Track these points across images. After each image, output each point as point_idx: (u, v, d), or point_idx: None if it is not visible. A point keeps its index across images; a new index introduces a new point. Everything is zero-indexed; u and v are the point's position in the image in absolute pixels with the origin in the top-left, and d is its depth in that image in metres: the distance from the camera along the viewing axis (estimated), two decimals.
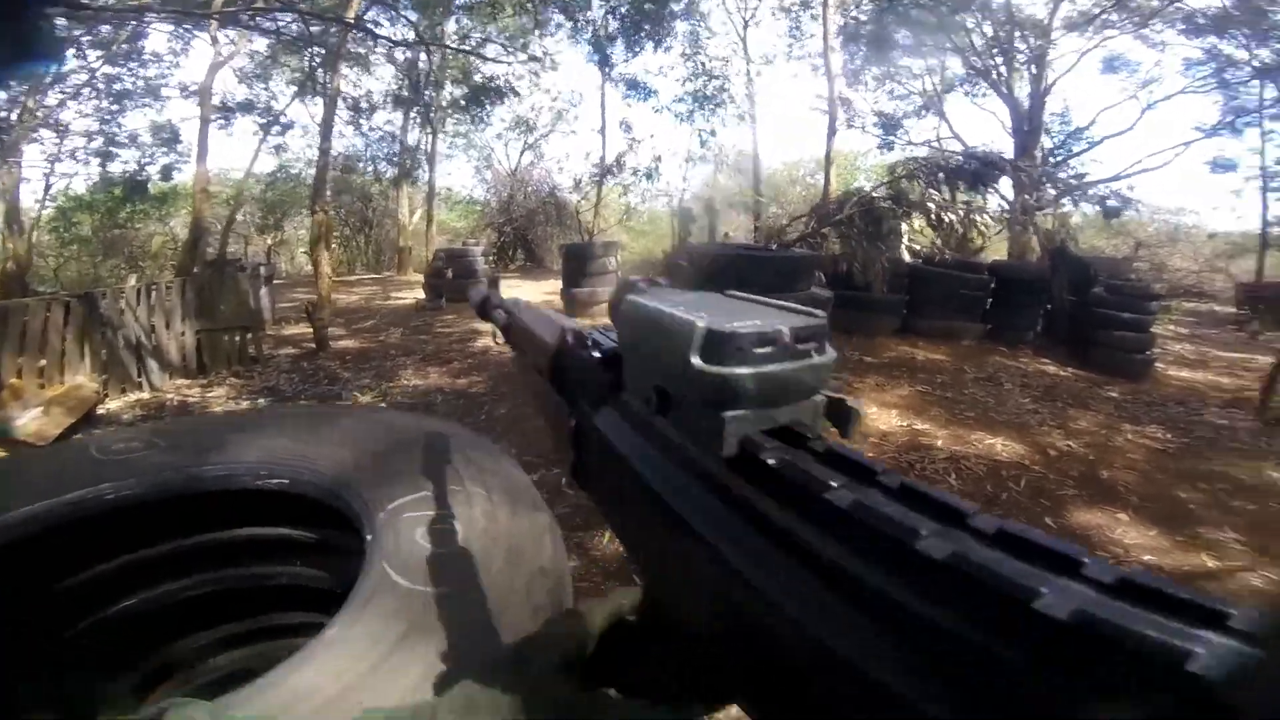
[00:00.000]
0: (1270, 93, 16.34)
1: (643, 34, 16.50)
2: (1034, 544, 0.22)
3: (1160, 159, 15.89)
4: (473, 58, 14.86)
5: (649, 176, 15.61)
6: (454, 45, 13.60)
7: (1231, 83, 16.74)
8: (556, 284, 9.87)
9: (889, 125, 18.31)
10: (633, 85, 18.44)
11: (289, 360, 6.74)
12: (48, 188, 17.10)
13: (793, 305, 0.34)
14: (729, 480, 0.29)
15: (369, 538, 0.79)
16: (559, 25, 16.87)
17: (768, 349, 0.29)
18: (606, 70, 17.89)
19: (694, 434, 0.31)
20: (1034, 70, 14.74)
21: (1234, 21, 15.06)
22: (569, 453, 0.48)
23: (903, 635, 0.21)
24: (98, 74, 14.99)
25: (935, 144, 17.12)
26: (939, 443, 4.24)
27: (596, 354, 0.45)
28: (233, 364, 6.44)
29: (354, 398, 5.32)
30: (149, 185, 17.63)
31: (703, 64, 17.38)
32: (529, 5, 13.74)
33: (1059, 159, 16.73)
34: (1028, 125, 14.76)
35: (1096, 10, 14.60)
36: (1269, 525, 3.44)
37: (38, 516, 0.94)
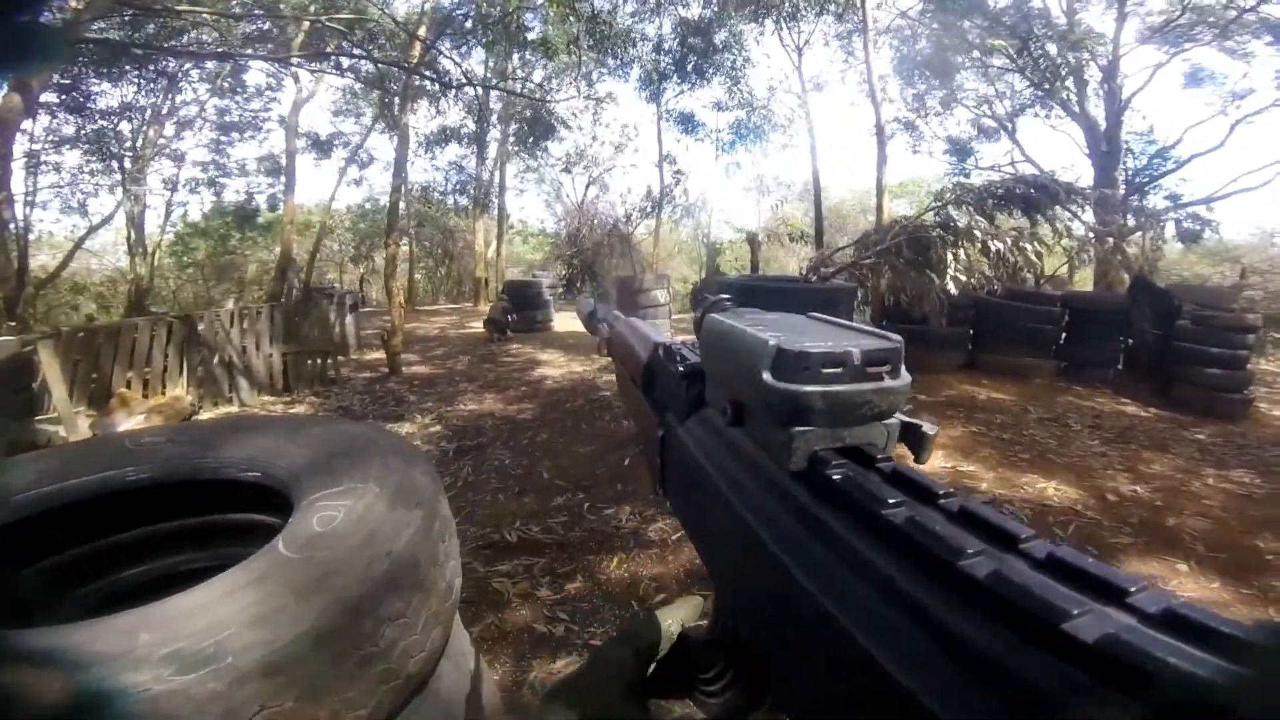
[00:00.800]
0: None
1: (688, 69, 16.85)
2: (1083, 570, 0.23)
3: (1259, 177, 14.53)
4: (531, 95, 15.68)
5: (688, 211, 15.78)
6: (506, 86, 14.43)
7: None
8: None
9: (959, 150, 17.74)
10: (683, 119, 18.82)
11: (364, 383, 7.26)
12: (168, 214, 19.22)
13: (873, 330, 0.36)
14: (797, 493, 0.31)
15: (290, 520, 0.95)
16: (610, 65, 17.49)
17: (837, 369, 0.31)
18: (659, 104, 18.39)
19: (766, 447, 0.33)
20: (1106, 87, 13.90)
21: None
22: (655, 461, 0.49)
23: (942, 649, 0.23)
24: (206, 106, 16.90)
25: (1009, 168, 16.43)
26: (984, 485, 4.06)
27: (681, 369, 0.46)
28: (314, 384, 7.00)
29: (415, 419, 5.68)
30: (258, 214, 19.52)
31: (746, 94, 17.53)
32: (575, 45, 14.40)
33: (1144, 180, 15.60)
34: (1105, 146, 13.90)
35: (1164, 21, 13.71)
36: None
37: (67, 491, 1.16)
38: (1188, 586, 3.04)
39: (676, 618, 0.45)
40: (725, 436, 0.37)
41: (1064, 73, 13.36)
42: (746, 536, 0.32)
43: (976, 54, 14.73)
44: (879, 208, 8.67)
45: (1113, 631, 0.19)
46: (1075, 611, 0.20)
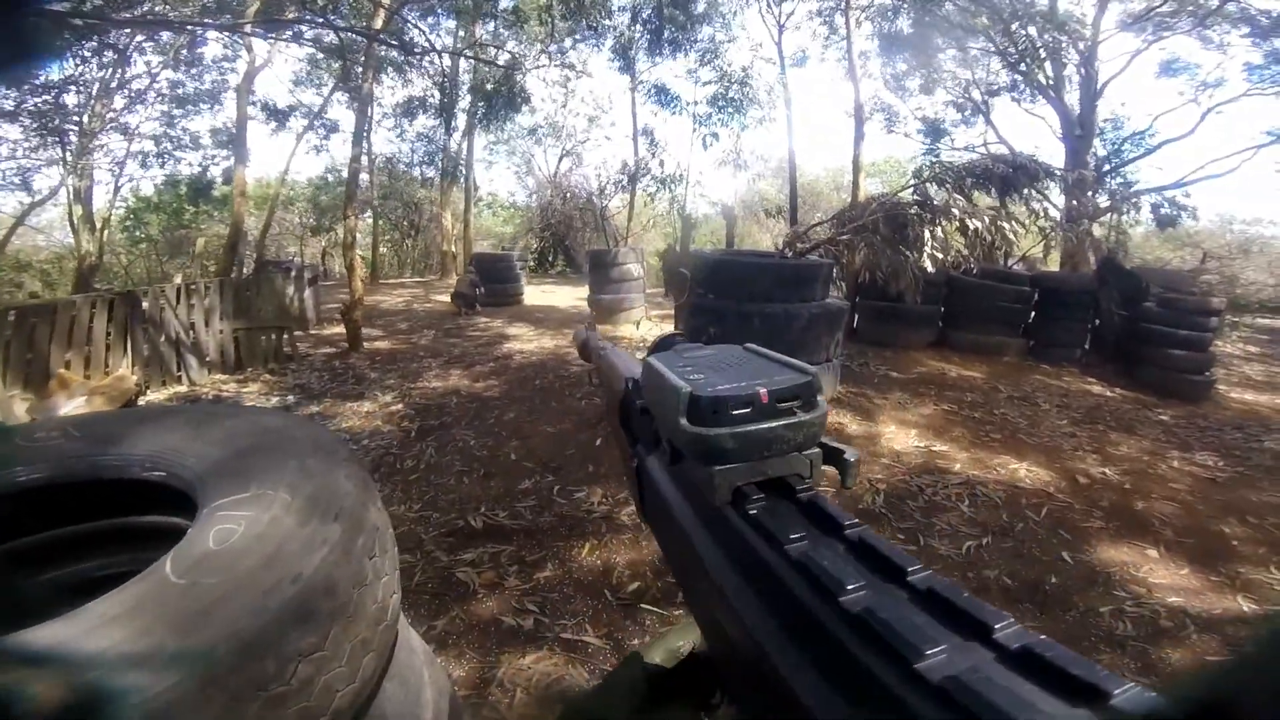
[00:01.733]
0: None
1: (664, 40, 16.44)
2: (954, 604, 0.24)
3: (1225, 165, 14.86)
4: (500, 62, 15.12)
5: (664, 184, 15.49)
6: (474, 53, 13.86)
7: None
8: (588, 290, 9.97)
9: (934, 130, 17.74)
10: (659, 91, 18.42)
11: (323, 359, 6.96)
12: (117, 189, 18.23)
13: (793, 363, 0.38)
14: (725, 525, 0.33)
15: (189, 532, 0.79)
16: (583, 34, 17.01)
17: (746, 409, 0.33)
18: (633, 76, 17.96)
19: (697, 483, 0.35)
20: (1083, 73, 13.99)
21: None
22: (634, 489, 0.50)
23: (832, 676, 0.25)
24: (158, 78, 15.96)
25: (983, 149, 16.49)
26: (957, 466, 4.04)
27: (644, 405, 0.47)
28: (269, 362, 6.69)
29: (375, 397, 5.45)
30: (212, 187, 18.64)
31: (724, 68, 17.20)
32: (549, 14, 13.89)
33: (1114, 165, 15.84)
34: (1079, 130, 14.02)
35: (1147, 8, 13.82)
36: None
37: None
38: (1159, 573, 3.05)
39: (688, 638, 0.49)
40: (673, 471, 0.39)
41: (1043, 56, 13.36)
42: (695, 563, 0.35)
43: (958, 34, 14.62)
44: (855, 184, 8.60)
45: (957, 674, 0.21)
46: (929, 651, 0.22)
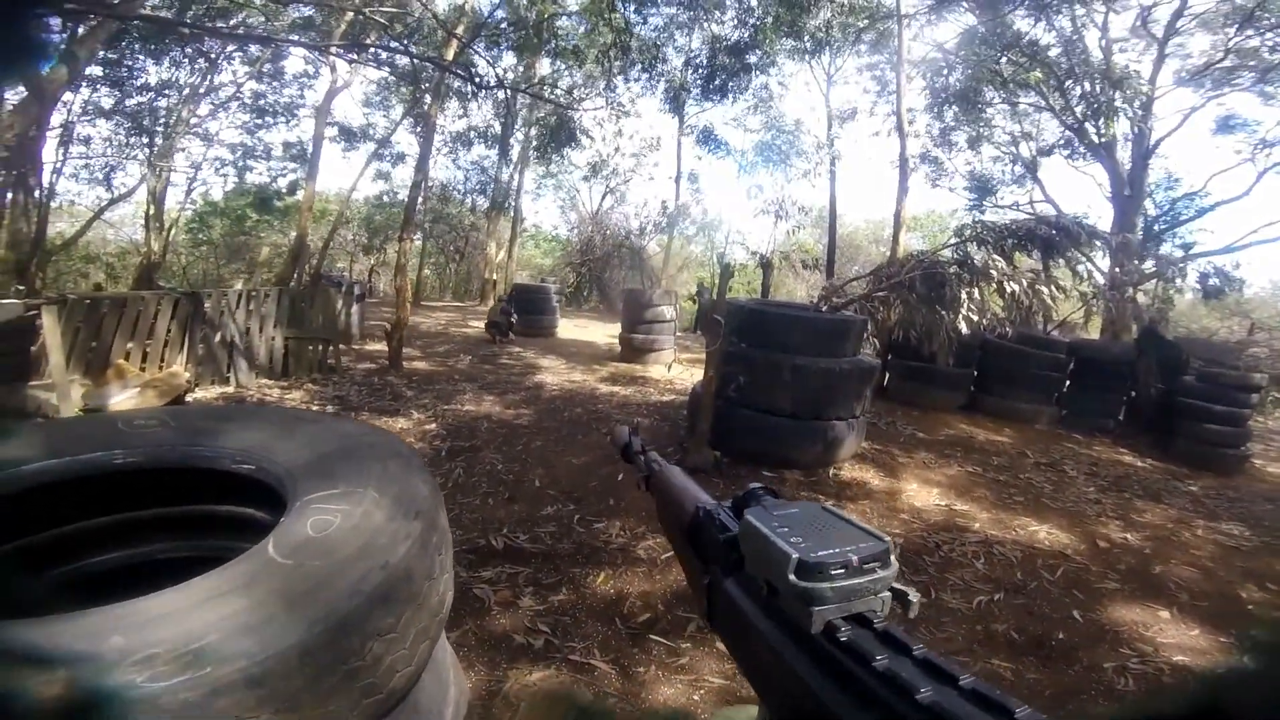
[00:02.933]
0: None
1: (715, 86, 16.87)
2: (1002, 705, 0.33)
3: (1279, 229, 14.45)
4: (560, 100, 15.77)
5: (703, 229, 15.75)
6: (535, 90, 14.48)
7: None
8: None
9: (980, 187, 17.71)
10: (706, 136, 18.83)
11: (363, 374, 7.24)
12: (189, 191, 19.30)
13: (869, 529, 0.48)
14: (818, 645, 0.43)
15: (282, 520, 0.93)
16: (638, 75, 17.55)
17: (842, 570, 0.44)
18: (680, 119, 18.44)
19: (794, 615, 0.45)
20: (1136, 130, 13.89)
21: None
22: (702, 600, 0.61)
23: None
24: (242, 89, 17.03)
25: (1028, 207, 16.42)
26: (976, 525, 4.03)
27: (723, 535, 0.57)
28: (313, 371, 6.99)
29: (410, 415, 5.66)
30: (274, 198, 19.59)
31: (773, 120, 17.56)
32: (609, 54, 14.47)
33: (1164, 227, 15.56)
34: (1128, 190, 13.87)
35: (1207, 63, 13.70)
36: None
37: (52, 470, 1.14)
38: (1168, 633, 3.03)
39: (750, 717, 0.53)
40: (764, 599, 0.49)
41: (1104, 111, 13.31)
42: (786, 672, 0.45)
43: (1007, 92, 14.72)
44: (895, 240, 8.67)
45: None
46: None
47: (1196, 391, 6.68)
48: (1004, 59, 13.69)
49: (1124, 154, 14.31)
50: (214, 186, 19.86)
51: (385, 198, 22.48)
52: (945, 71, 14.88)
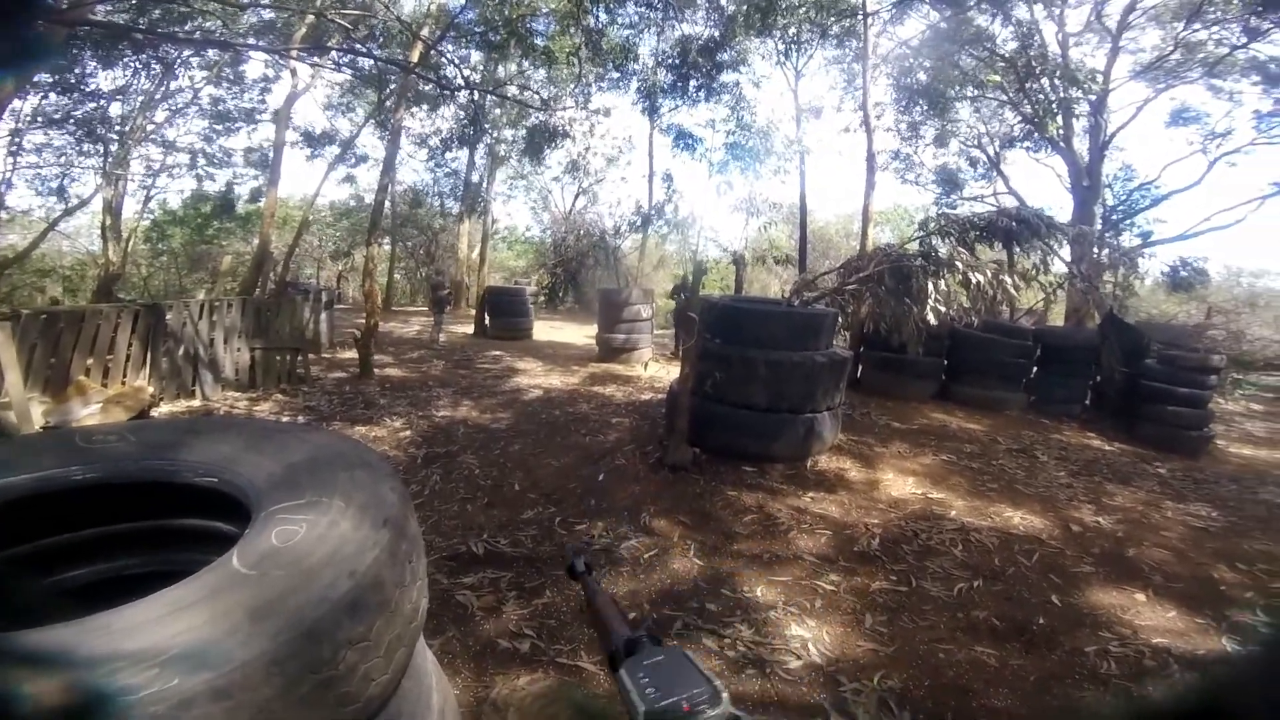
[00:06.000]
0: None
1: (689, 86, 16.92)
2: None
3: (1232, 216, 15.04)
4: (527, 101, 15.64)
5: (677, 226, 15.78)
6: (504, 92, 14.36)
7: None
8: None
9: (947, 180, 18.06)
10: (680, 135, 18.87)
11: (334, 383, 7.11)
12: (147, 200, 18.76)
13: (707, 674, 0.64)
14: None
15: (246, 532, 0.90)
16: (610, 75, 17.51)
17: (679, 713, 0.58)
18: (654, 119, 18.45)
19: None
20: (1092, 122, 14.29)
21: None
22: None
23: None
24: (200, 94, 16.58)
25: (992, 200, 16.79)
26: (953, 513, 4.08)
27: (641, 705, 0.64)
28: (282, 382, 6.84)
29: (384, 423, 5.57)
30: (235, 205, 19.12)
31: (744, 117, 17.65)
32: (576, 57, 14.41)
33: (1120, 217, 16.06)
34: (1087, 181, 14.27)
35: (1158, 56, 14.17)
36: None
37: (11, 487, 1.09)
38: (1146, 616, 3.08)
39: None
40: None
41: (1056, 108, 13.67)
42: None
43: (972, 88, 15.02)
44: (863, 234, 8.79)
45: None
46: None
47: (1158, 374, 6.88)
48: (967, 55, 13.95)
49: (1082, 146, 14.72)
50: (171, 194, 19.39)
51: (351, 202, 22.15)
52: (911, 68, 15.10)
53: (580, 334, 12.13)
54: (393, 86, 13.80)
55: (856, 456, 4.99)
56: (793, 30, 14.68)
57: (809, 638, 2.72)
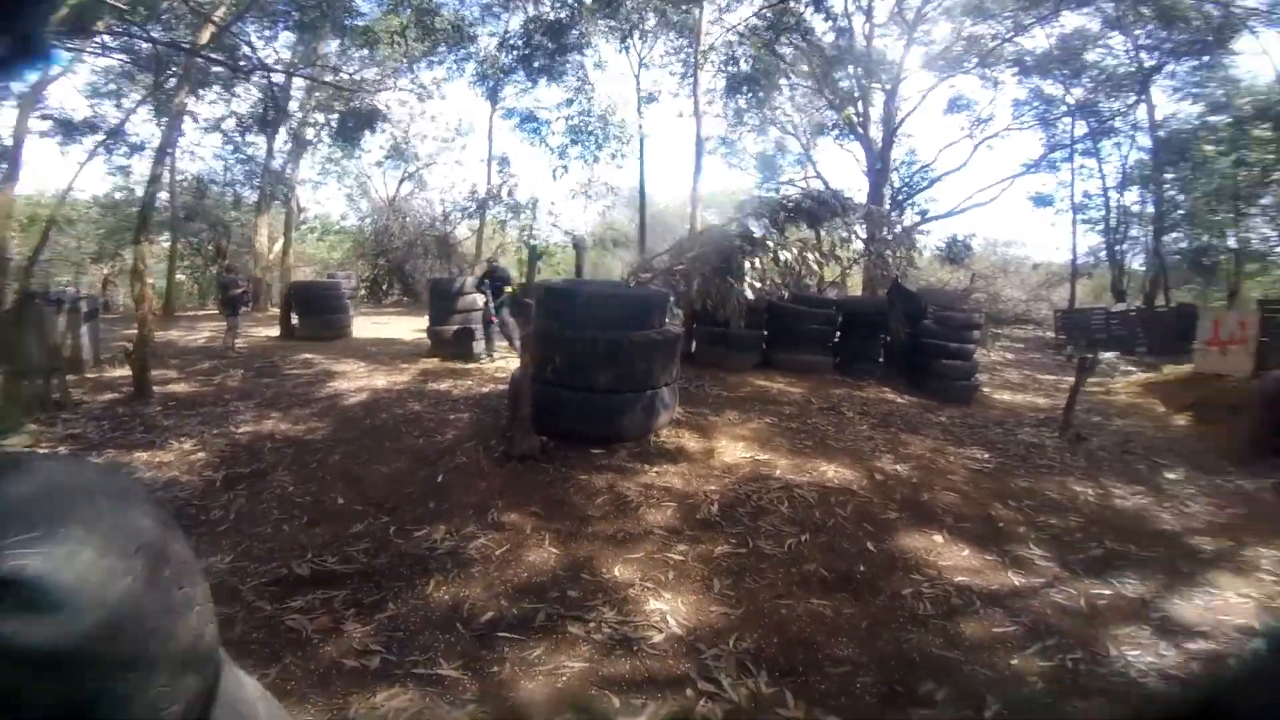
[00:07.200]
0: (1080, 130, 19.24)
1: (534, 69, 16.54)
2: None
3: (990, 194, 18.08)
4: (346, 84, 14.29)
5: (515, 211, 15.48)
6: (307, 74, 12.96)
7: (1050, 121, 19.54)
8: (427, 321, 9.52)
9: (767, 165, 19.56)
10: (524, 119, 18.43)
11: (103, 407, 6.02)
12: None
13: None
14: None
15: None
16: (443, 57, 16.62)
17: None
18: (495, 101, 17.84)
19: None
20: (886, 109, 16.21)
21: (1055, 62, 17.60)
22: None
23: None
24: None
25: (803, 184, 18.47)
26: (778, 472, 4.40)
27: None
28: (33, 411, 5.64)
29: (170, 446, 4.81)
30: None
31: (587, 100, 17.69)
32: (403, 37, 13.42)
33: (904, 197, 18.51)
34: (879, 165, 16.19)
35: (945, 48, 16.39)
36: (1069, 539, 3.76)
37: None
38: (946, 556, 3.46)
39: None
40: None
41: (858, 95, 15.16)
42: None
43: (791, 76, 16.19)
44: (693, 216, 9.21)
45: None
46: None
47: (934, 333, 8.04)
48: (785, 45, 14.92)
49: (878, 134, 16.66)
50: None
51: (119, 195, 18.73)
52: (737, 57, 15.92)
53: (410, 328, 11.39)
54: (175, 69, 11.85)
55: (694, 428, 5.22)
56: (636, 16, 14.81)
57: (666, 610, 2.80)
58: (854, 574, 3.20)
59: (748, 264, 5.38)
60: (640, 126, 17.19)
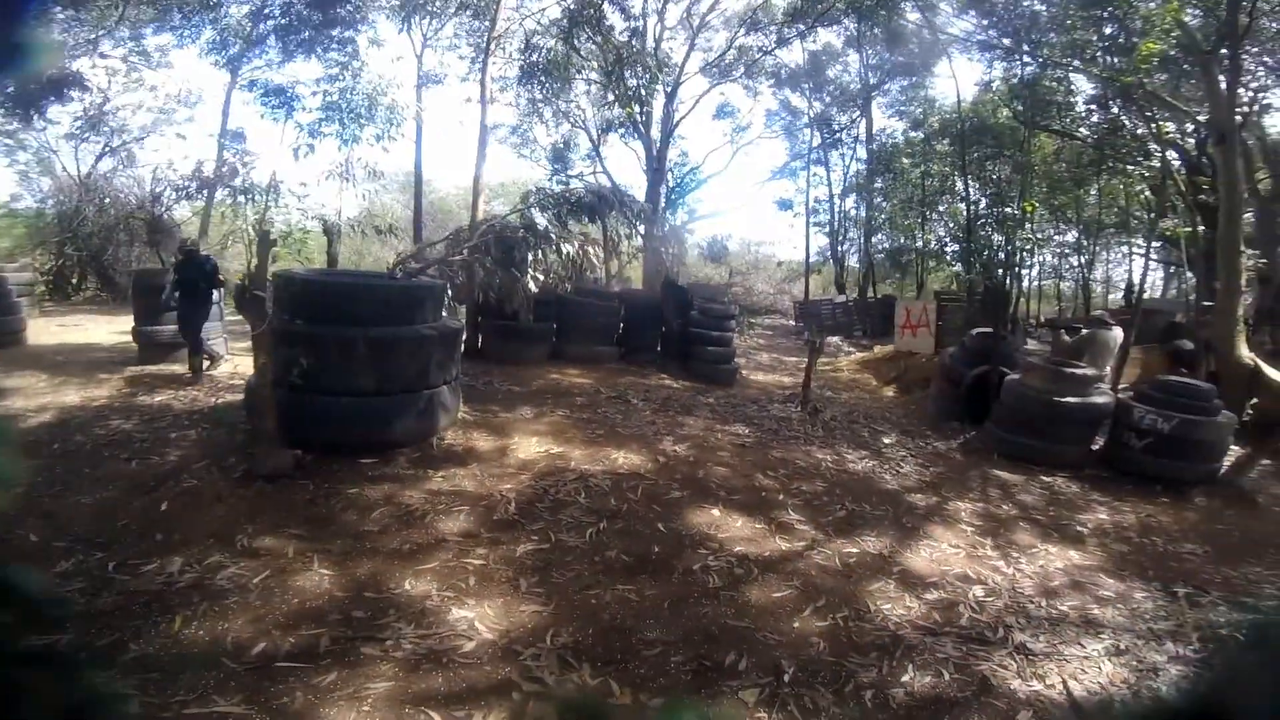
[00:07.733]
0: (816, 140, 22.45)
1: (291, 41, 14.48)
2: None
3: (746, 197, 20.81)
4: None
5: (247, 194, 13.48)
6: None
7: (793, 131, 22.58)
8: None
9: (558, 158, 19.64)
10: (271, 92, 15.97)
11: None
12: None
13: None
14: None
15: None
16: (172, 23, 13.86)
17: None
18: (236, 72, 15.28)
19: None
20: (665, 110, 17.26)
21: (804, 75, 20.27)
22: None
23: None
24: None
25: (591, 177, 18.92)
26: (573, 463, 4.44)
27: None
28: None
29: None
30: None
31: (352, 75, 15.96)
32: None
33: (676, 196, 20.08)
34: (657, 164, 17.23)
35: (719, 55, 17.86)
36: (818, 503, 4.27)
37: None
38: (725, 529, 3.71)
39: None
40: None
41: (645, 94, 15.66)
42: None
43: (584, 71, 16.21)
44: (474, 206, 8.88)
45: None
46: None
47: (700, 323, 8.92)
48: (582, 38, 14.84)
49: (657, 134, 17.59)
50: None
51: None
52: (535, 45, 15.45)
53: (110, 329, 9.24)
54: None
55: (483, 426, 5.04)
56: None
57: (473, 617, 2.66)
58: (650, 555, 3.31)
59: (531, 256, 5.32)
60: (419, 109, 16.03)
